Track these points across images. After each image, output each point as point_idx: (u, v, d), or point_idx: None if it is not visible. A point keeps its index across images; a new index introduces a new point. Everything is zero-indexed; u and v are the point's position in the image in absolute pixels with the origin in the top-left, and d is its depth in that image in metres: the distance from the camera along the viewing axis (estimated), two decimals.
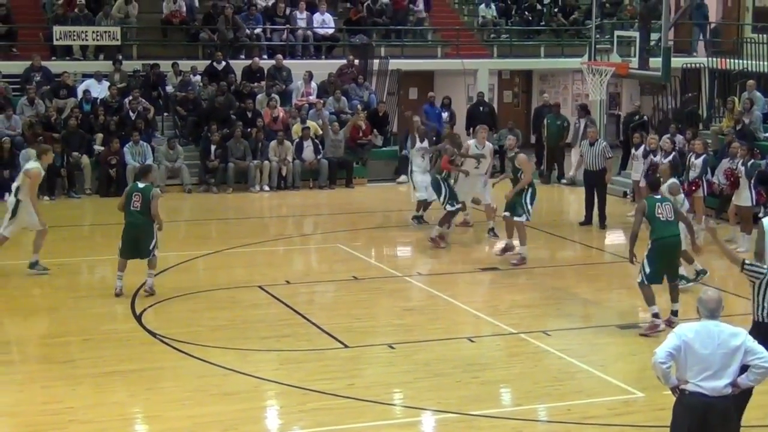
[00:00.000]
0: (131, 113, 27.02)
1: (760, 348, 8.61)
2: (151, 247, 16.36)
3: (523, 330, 14.92)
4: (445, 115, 30.34)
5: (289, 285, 17.43)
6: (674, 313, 15.13)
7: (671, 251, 15.09)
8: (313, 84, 29.68)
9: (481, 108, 30.63)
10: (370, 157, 28.51)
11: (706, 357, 8.58)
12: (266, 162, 26.92)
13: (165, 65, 29.14)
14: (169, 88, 28.87)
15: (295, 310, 15.90)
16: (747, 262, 10.69)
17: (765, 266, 10.70)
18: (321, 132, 27.96)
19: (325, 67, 30.66)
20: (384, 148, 29.23)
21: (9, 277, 18.57)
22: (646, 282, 14.87)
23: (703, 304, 8.80)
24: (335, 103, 29.29)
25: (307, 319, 15.38)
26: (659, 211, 14.91)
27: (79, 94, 27.57)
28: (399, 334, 14.79)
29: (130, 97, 27.25)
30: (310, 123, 27.90)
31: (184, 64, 29.34)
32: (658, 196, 15.28)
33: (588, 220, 22.55)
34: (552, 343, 14.39)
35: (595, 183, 22.39)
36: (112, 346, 14.11)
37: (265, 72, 29.64)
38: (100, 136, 26.54)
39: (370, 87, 30.86)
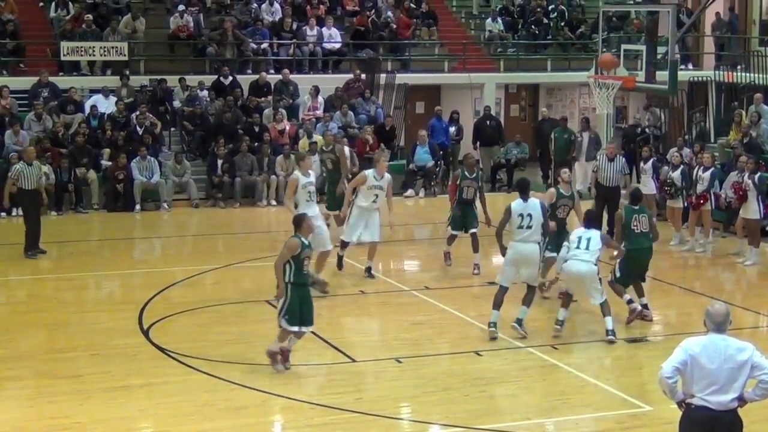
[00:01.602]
0: (138, 128, 27.06)
1: (766, 363, 8.55)
2: (280, 312, 13.39)
3: (530, 344, 14.90)
4: (452, 129, 30.40)
5: None
6: (645, 306, 16.23)
7: (643, 261, 16.21)
8: (320, 98, 29.72)
9: (488, 122, 30.71)
10: None
11: (713, 371, 8.50)
12: (273, 176, 26.95)
13: (172, 80, 29.21)
14: (177, 103, 28.95)
15: None
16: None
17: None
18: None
19: (331, 82, 30.72)
20: (391, 162, 29.22)
21: (16, 291, 18.64)
22: (615, 282, 16.08)
23: (711, 318, 8.67)
24: (342, 117, 29.32)
25: (315, 334, 15.34)
26: (635, 224, 15.94)
27: (87, 110, 27.65)
28: (406, 348, 14.77)
29: (138, 112, 27.29)
30: (317, 137, 27.89)
31: (191, 79, 29.42)
32: (637, 207, 16.11)
33: None
34: (560, 356, 14.37)
35: (609, 198, 21.68)
36: (120, 361, 14.11)
37: (272, 86, 29.70)
38: (107, 151, 26.60)
39: (377, 101, 30.90)
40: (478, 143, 30.67)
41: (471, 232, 19.26)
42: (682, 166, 21.95)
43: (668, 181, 21.89)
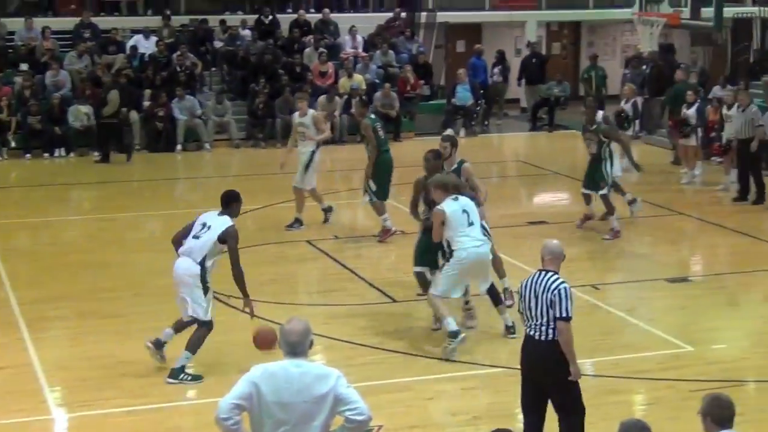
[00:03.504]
0: (179, 68, 27.05)
1: (355, 396, 6.89)
2: None
3: (572, 285, 14.81)
4: (497, 69, 30.10)
5: (337, 240, 17.46)
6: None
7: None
8: (360, 37, 29.57)
9: (534, 60, 30.26)
10: (418, 110, 28.39)
11: (283, 407, 6.80)
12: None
13: (213, 20, 29.16)
14: (217, 43, 28.90)
15: (343, 265, 15.95)
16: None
17: None
18: (364, 87, 27.77)
19: (372, 21, 30.56)
20: (430, 102, 29.11)
21: (58, 233, 18.78)
22: (375, 199, 17.04)
23: (284, 337, 6.92)
24: (382, 56, 29.18)
25: (356, 274, 15.43)
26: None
27: (128, 50, 27.64)
28: None
29: (178, 53, 27.29)
30: (357, 77, 27.74)
31: (232, 19, 29.36)
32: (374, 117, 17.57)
33: (743, 195, 20.20)
34: (601, 297, 14.35)
35: (746, 152, 19.95)
36: (162, 301, 14.17)
37: (312, 25, 29.59)
38: (148, 92, 26.61)
39: (418, 40, 30.72)
40: (522, 81, 30.41)
41: (601, 194, 17.51)
42: (697, 103, 21.62)
43: (682, 120, 21.59)
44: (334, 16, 30.05)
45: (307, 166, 18.04)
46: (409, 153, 25.65)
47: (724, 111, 20.92)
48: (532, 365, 9.10)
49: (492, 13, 32.86)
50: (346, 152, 26.23)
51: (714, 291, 15.18)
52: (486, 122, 28.97)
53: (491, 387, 11.62)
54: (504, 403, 10.94)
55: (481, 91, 28.96)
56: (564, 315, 8.84)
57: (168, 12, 29.00)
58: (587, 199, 17.66)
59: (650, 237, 18.04)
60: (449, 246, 12.21)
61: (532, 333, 9.02)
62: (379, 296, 14.44)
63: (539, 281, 9.02)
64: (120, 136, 24.91)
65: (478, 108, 28.58)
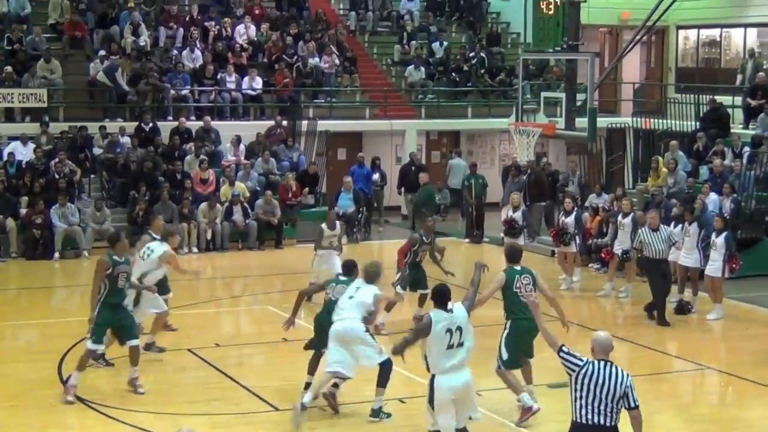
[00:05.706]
0: (57, 176, 26.74)
1: None
2: None
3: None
4: (376, 176, 30.46)
5: (218, 348, 17.30)
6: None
7: (530, 334, 13.50)
8: (242, 146, 29.62)
9: (413, 168, 30.69)
10: (300, 217, 28.46)
11: None
12: (194, 222, 26.76)
13: (93, 127, 28.96)
14: (97, 150, 28.68)
15: (224, 373, 15.78)
16: (565, 349, 9.89)
17: (583, 357, 9.73)
18: (248, 194, 27.86)
19: (253, 128, 30.68)
20: (313, 209, 29.20)
21: None
22: (503, 368, 14.04)
23: None
24: (264, 164, 29.27)
25: (237, 382, 15.27)
26: (517, 285, 13.73)
27: (5, 157, 27.28)
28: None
29: (56, 160, 27.00)
30: (238, 185, 27.80)
31: (112, 126, 29.21)
32: (518, 268, 13.88)
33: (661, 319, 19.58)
34: (483, 403, 14.30)
35: (664, 271, 19.64)
36: (39, 412, 13.89)
37: (193, 133, 29.58)
38: (25, 199, 26.25)
39: (299, 148, 30.90)
40: (402, 189, 30.77)
41: (422, 293, 18.65)
42: (575, 212, 22.16)
43: (561, 228, 22.04)
44: (215, 124, 30.12)
45: None
46: (291, 260, 25.77)
47: (620, 219, 21.45)
48: None
49: (372, 122, 33.27)
50: (227, 259, 26.13)
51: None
52: (367, 229, 29.14)
53: None
54: None
55: (370, 197, 29.30)
56: (637, 404, 9.70)
57: (46, 119, 28.77)
58: (422, 300, 18.61)
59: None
60: None
61: (600, 421, 9.64)
62: (261, 405, 14.29)
63: (608, 373, 9.69)
64: None
65: (359, 215, 28.77)
